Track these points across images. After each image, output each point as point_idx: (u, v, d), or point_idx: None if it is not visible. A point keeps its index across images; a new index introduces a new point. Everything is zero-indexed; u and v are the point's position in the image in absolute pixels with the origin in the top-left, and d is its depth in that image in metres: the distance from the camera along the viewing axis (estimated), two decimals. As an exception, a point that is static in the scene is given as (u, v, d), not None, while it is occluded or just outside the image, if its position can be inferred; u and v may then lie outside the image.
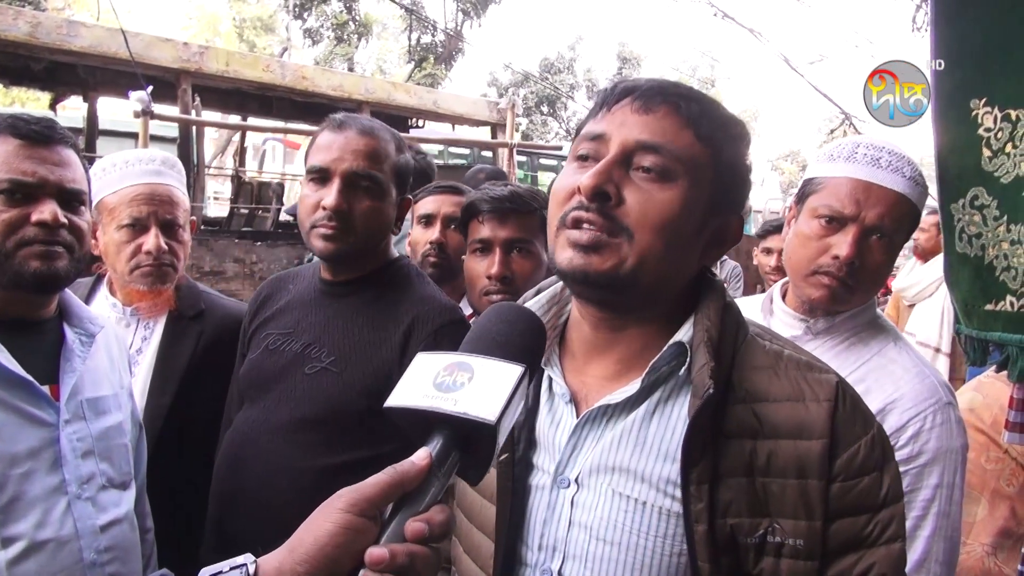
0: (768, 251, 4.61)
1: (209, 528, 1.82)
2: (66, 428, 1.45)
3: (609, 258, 0.97)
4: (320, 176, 1.74)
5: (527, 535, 1.06)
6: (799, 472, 0.95)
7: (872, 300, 1.65)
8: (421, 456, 0.76)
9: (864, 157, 1.57)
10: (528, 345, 0.90)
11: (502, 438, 0.77)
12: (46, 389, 1.44)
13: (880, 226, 1.53)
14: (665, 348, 1.01)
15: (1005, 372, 1.78)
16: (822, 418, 0.96)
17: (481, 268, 1.99)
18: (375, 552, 0.70)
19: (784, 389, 0.99)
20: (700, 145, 0.99)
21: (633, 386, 1.01)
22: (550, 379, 1.10)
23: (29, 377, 1.40)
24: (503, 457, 1.05)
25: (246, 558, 0.72)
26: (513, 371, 0.79)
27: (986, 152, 1.69)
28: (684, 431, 0.96)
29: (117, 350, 1.71)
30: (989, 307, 1.73)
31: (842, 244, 1.53)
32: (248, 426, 1.76)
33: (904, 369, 1.53)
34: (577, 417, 1.05)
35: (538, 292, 1.15)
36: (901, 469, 1.40)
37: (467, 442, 0.78)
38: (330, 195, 1.70)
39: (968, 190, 1.73)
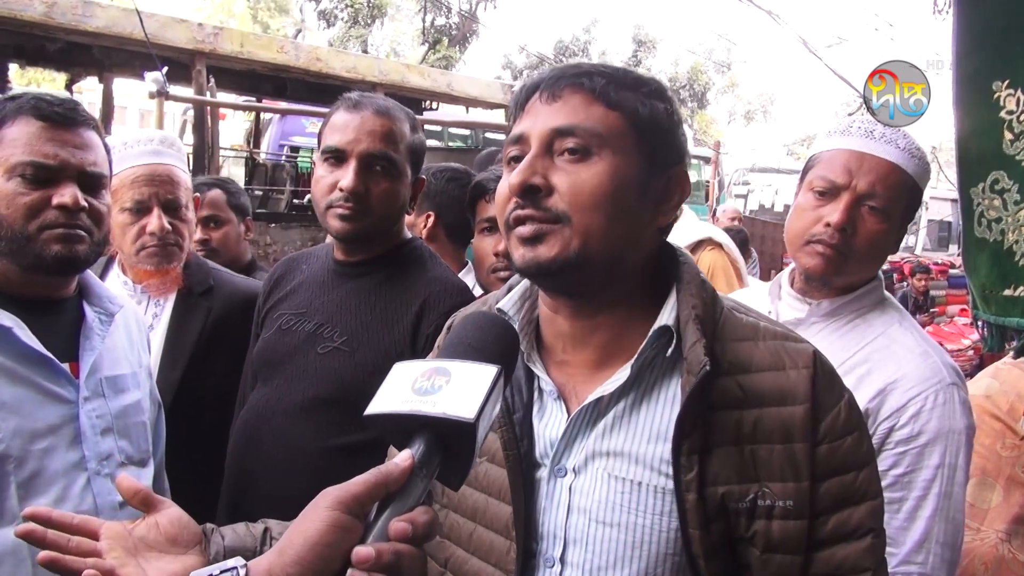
0: None
1: (222, 505, 1.84)
2: (85, 405, 1.46)
3: (554, 245, 0.99)
4: (336, 157, 1.73)
5: (531, 527, 1.08)
6: (785, 436, 0.99)
7: (878, 281, 1.65)
8: (404, 457, 0.77)
9: (858, 130, 1.62)
10: (502, 348, 0.92)
11: (481, 436, 0.79)
12: (66, 367, 1.46)
13: (872, 194, 1.55)
14: (651, 332, 1.02)
15: (1023, 359, 1.77)
16: (804, 384, 1.00)
17: (489, 246, 1.99)
18: (362, 551, 0.71)
19: (765, 359, 1.03)
20: (613, 113, 1.01)
21: (623, 374, 1.03)
22: (537, 376, 1.11)
23: (49, 354, 1.42)
24: (510, 453, 1.07)
25: (236, 561, 0.73)
26: (488, 371, 0.81)
27: (1008, 135, 1.67)
28: (673, 411, 1.00)
29: (136, 329, 1.72)
30: (1008, 292, 1.71)
31: (834, 212, 1.56)
32: (262, 405, 1.78)
33: (907, 349, 1.52)
34: (567, 412, 1.07)
35: (508, 290, 1.17)
36: (901, 449, 1.43)
37: (448, 444, 0.79)
38: (347, 176, 1.70)
39: (988, 174, 1.72)
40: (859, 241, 1.56)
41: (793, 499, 0.98)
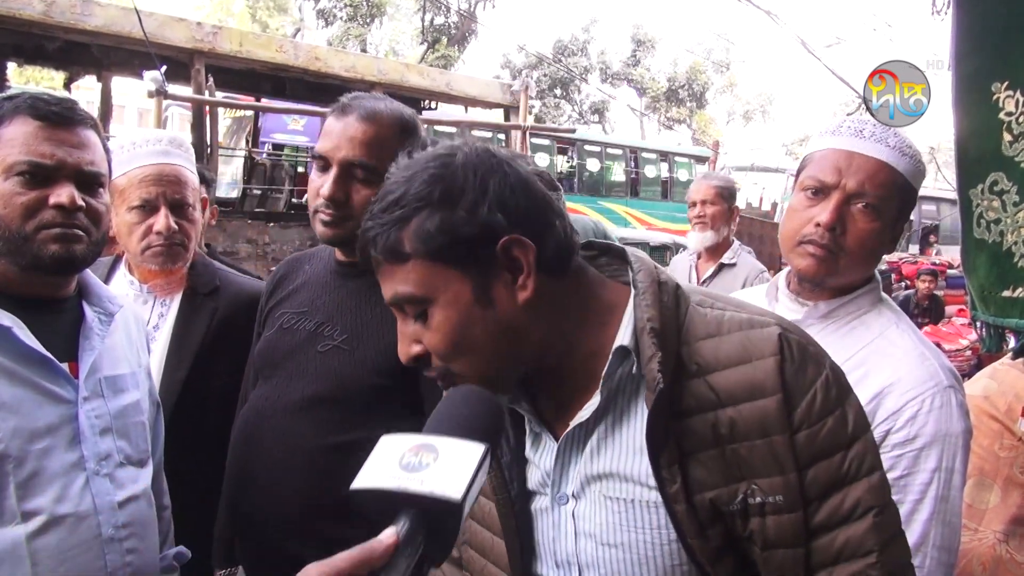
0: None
1: (223, 504, 1.86)
2: (84, 405, 1.46)
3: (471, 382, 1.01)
4: (322, 163, 1.75)
5: (544, 557, 1.09)
6: (762, 431, 0.96)
7: (876, 283, 1.65)
8: (388, 535, 0.76)
9: (848, 130, 1.60)
10: (487, 426, 0.92)
11: (467, 513, 0.79)
12: (65, 366, 1.45)
13: (862, 192, 1.54)
14: (610, 356, 1.02)
15: (1021, 360, 1.77)
16: (771, 374, 0.97)
17: None
18: None
19: (731, 354, 1.00)
20: (409, 263, 0.99)
21: (595, 400, 1.03)
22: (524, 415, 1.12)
23: (48, 354, 1.41)
24: (500, 497, 1.09)
25: None
26: (476, 449, 0.81)
27: (1007, 136, 1.67)
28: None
29: (135, 329, 1.72)
30: (1006, 293, 1.72)
31: (823, 212, 1.55)
32: (262, 403, 1.78)
33: (904, 352, 1.51)
34: (556, 440, 1.08)
35: None
36: (898, 452, 1.42)
37: (433, 520, 0.79)
38: (327, 184, 1.71)
39: (987, 175, 1.72)
40: (850, 240, 1.55)
41: (782, 493, 0.96)
